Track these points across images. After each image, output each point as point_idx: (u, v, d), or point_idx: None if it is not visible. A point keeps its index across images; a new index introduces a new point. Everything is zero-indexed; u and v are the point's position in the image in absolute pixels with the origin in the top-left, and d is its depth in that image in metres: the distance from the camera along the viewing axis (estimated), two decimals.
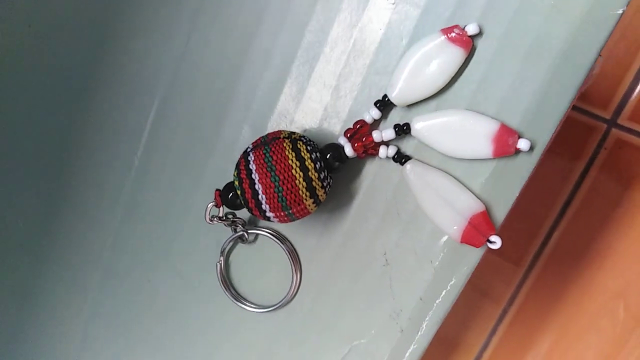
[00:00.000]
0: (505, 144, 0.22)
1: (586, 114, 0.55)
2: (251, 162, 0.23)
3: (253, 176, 0.22)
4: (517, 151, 0.22)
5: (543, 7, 0.22)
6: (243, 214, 0.28)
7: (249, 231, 0.27)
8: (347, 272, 0.26)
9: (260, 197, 0.22)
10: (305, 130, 0.26)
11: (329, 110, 0.26)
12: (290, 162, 0.22)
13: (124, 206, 0.31)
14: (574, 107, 0.55)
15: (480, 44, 0.23)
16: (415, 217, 0.25)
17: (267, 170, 0.22)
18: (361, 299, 0.26)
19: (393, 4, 0.24)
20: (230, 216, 0.26)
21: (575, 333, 0.58)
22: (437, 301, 0.25)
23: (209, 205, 0.25)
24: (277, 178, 0.22)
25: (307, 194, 0.23)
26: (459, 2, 0.23)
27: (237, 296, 0.28)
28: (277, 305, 0.27)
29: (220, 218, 0.26)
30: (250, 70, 0.27)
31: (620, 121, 0.54)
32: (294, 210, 0.23)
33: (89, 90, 0.30)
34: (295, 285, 0.27)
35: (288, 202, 0.22)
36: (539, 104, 0.22)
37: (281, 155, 0.22)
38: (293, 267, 0.27)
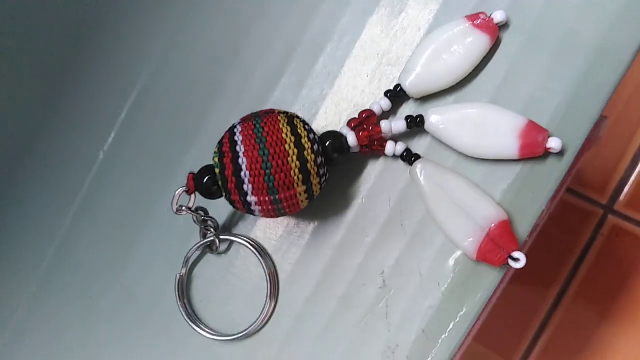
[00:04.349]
0: (534, 141, 0.19)
1: (583, 198, 0.53)
2: (237, 134, 0.19)
3: (237, 148, 0.19)
4: (547, 152, 0.19)
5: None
6: (217, 214, 0.23)
7: (221, 237, 0.23)
8: (335, 295, 0.22)
9: (243, 173, 0.19)
10: None
11: (332, 103, 0.23)
12: (284, 135, 0.19)
13: (78, 208, 0.26)
14: (569, 190, 0.54)
15: (506, 36, 0.21)
16: (422, 230, 0.21)
17: (255, 142, 0.19)
18: (350, 329, 0.21)
19: None
20: (201, 212, 0.22)
21: None
22: (443, 336, 0.20)
23: (177, 192, 0.21)
24: (266, 151, 0.18)
25: (300, 177, 0.19)
26: None
27: (193, 317, 0.23)
28: (244, 333, 0.22)
29: (190, 209, 0.21)
30: (247, 58, 0.24)
31: (617, 207, 0.52)
32: (282, 196, 0.19)
33: (57, 77, 0.27)
34: (268, 311, 0.22)
35: (276, 183, 0.18)
36: (571, 104, 0.20)
37: (274, 127, 0.19)
38: (270, 288, 0.22)
